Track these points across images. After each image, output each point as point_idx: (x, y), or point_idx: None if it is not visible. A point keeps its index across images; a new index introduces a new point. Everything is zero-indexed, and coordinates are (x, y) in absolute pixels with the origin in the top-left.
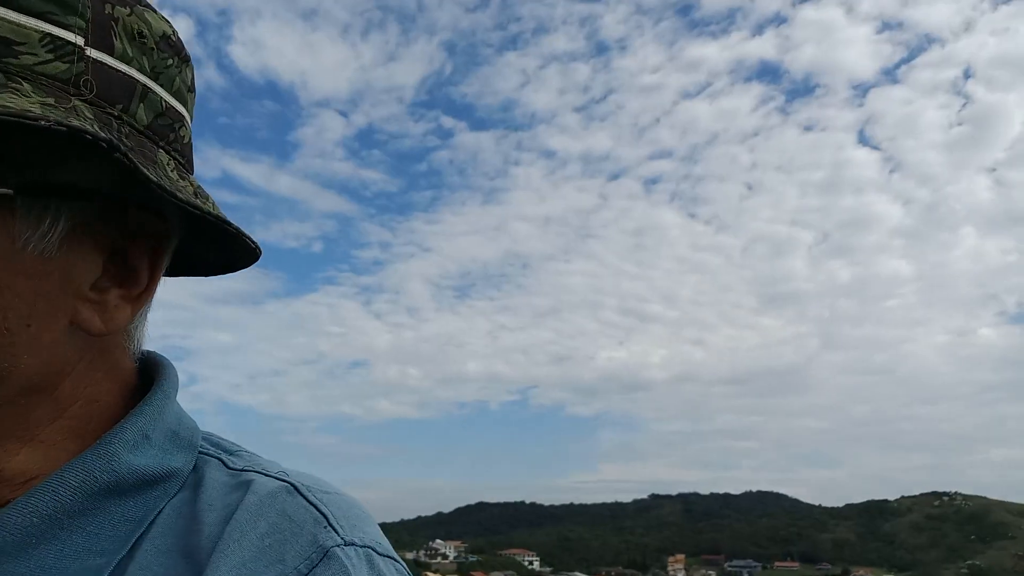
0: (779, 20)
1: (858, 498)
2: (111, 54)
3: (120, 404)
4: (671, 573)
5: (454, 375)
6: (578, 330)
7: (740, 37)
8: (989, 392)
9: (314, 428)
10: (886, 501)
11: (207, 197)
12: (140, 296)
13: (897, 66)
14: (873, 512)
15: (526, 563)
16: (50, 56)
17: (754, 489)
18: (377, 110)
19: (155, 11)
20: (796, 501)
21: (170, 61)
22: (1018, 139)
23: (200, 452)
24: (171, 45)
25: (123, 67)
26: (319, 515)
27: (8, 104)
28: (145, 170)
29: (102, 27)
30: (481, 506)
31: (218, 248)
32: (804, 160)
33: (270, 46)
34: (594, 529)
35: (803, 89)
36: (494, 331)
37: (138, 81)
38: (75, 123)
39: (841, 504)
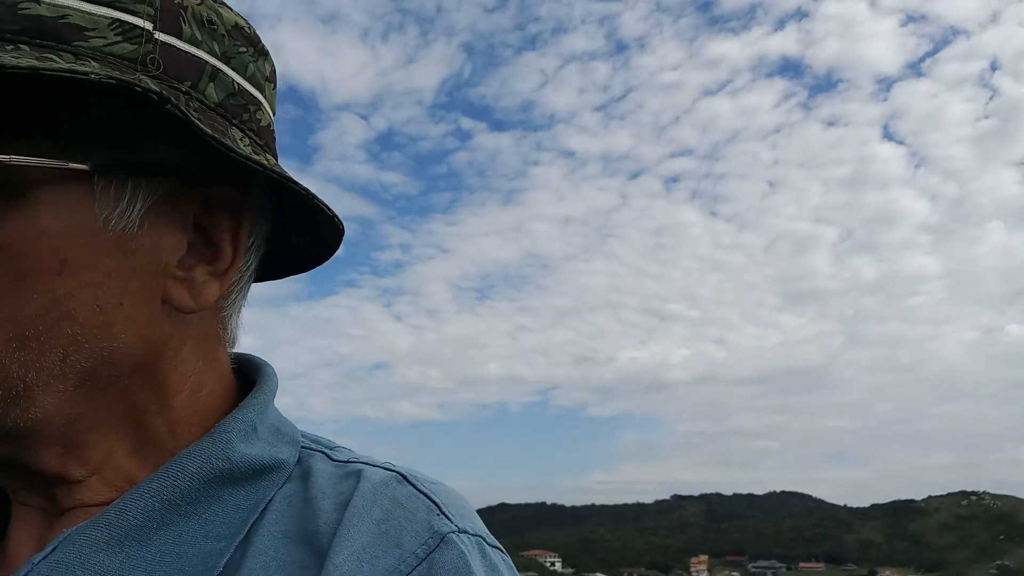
0: (801, 15)
1: (884, 498)
2: (179, 37)
3: (223, 397)
4: (694, 574)
5: (475, 377)
6: (598, 330)
7: (761, 33)
8: (1017, 390)
9: (335, 431)
10: (913, 501)
11: (287, 175)
12: (226, 272)
13: (922, 59)
14: (900, 512)
15: (548, 564)
16: (118, 38)
17: (778, 489)
18: (397, 113)
19: (227, 6)
20: (821, 501)
21: (243, 49)
22: None
23: (302, 447)
24: (244, 35)
25: (191, 49)
26: (431, 503)
27: (58, 63)
28: (203, 125)
29: (171, 13)
30: (503, 507)
31: (304, 234)
32: (827, 156)
33: (290, 51)
34: (616, 530)
35: (826, 84)
36: (514, 332)
37: (207, 62)
38: (121, 76)
39: (867, 504)
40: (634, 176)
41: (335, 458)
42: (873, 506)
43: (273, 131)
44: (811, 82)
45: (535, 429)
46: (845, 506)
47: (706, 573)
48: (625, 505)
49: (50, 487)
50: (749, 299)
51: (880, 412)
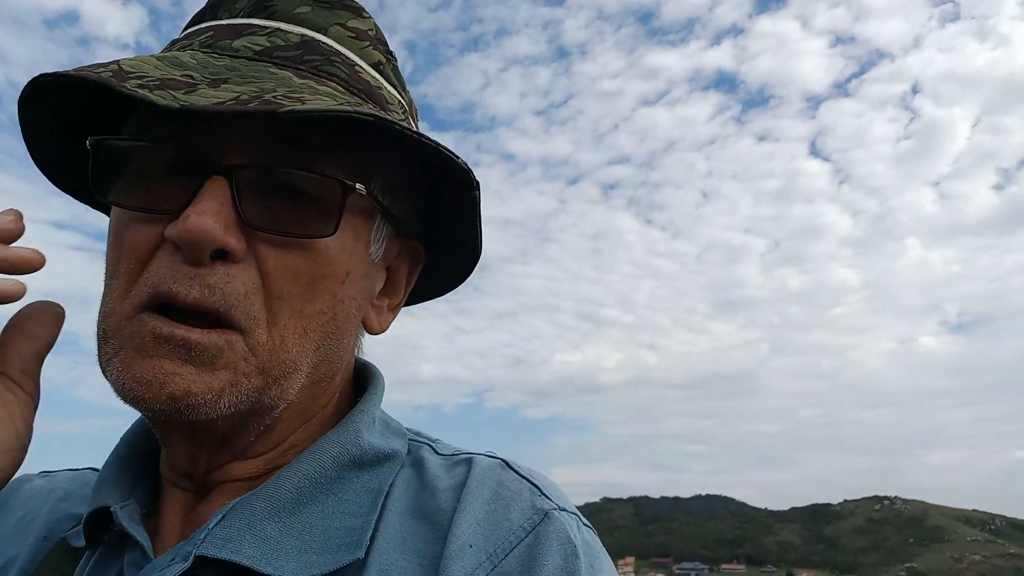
0: (737, 31)
1: (803, 501)
2: (411, 113)
3: (345, 392)
4: None
5: (409, 378)
6: (534, 333)
7: (699, 46)
8: (930, 399)
9: None
10: (829, 505)
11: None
12: (397, 306)
13: (848, 80)
14: (817, 515)
15: None
16: (403, 116)
17: (703, 492)
18: None
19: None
20: (744, 504)
21: (415, 105)
22: (962, 153)
23: (409, 439)
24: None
25: (412, 121)
26: (532, 486)
27: (399, 119)
28: (478, 198)
29: (411, 104)
30: None
31: (432, 275)
32: (758, 169)
33: None
34: None
35: (758, 99)
36: (450, 333)
37: (415, 126)
38: (442, 147)
39: (787, 507)
40: (573, 181)
41: (440, 451)
42: (792, 509)
43: None
44: (745, 97)
45: (469, 430)
46: (766, 509)
47: (632, 575)
48: None
49: (219, 467)
50: (681, 305)
51: (802, 418)
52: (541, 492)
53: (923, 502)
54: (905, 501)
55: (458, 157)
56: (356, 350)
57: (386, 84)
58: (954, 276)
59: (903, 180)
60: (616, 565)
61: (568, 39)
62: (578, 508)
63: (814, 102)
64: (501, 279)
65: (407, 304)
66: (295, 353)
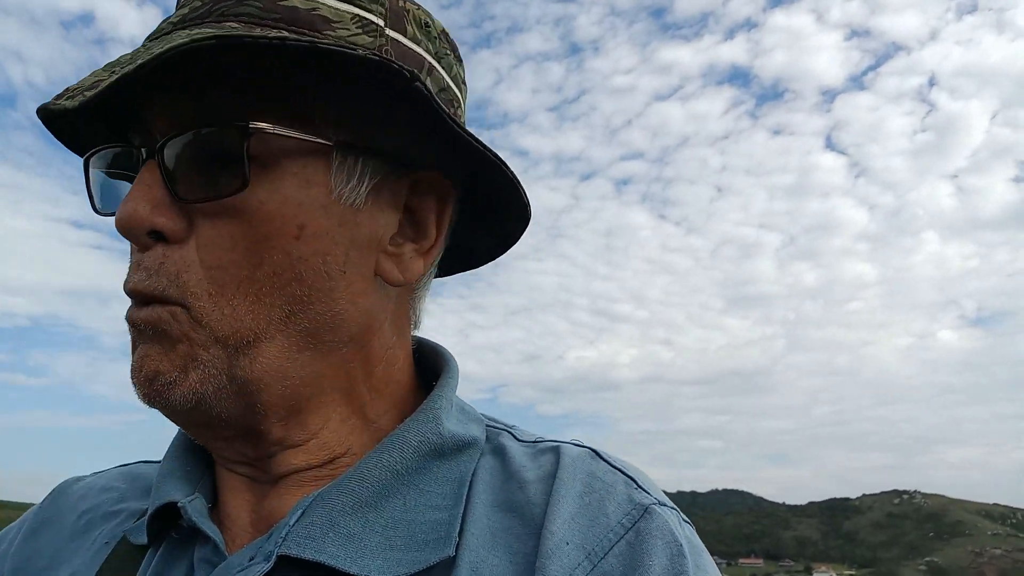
0: (750, 25)
1: (821, 496)
2: (404, 35)
3: (409, 373)
4: None
5: None
6: (549, 329)
7: (712, 41)
8: (948, 394)
9: None
10: (848, 499)
11: (504, 163)
12: (430, 250)
13: (864, 73)
14: (835, 510)
15: None
16: (359, 31)
17: (720, 487)
18: None
19: (435, 18)
20: (761, 499)
21: (448, 52)
22: (980, 147)
23: (487, 426)
24: (448, 41)
25: (413, 45)
26: (627, 478)
27: (335, 41)
28: (440, 103)
29: (397, 14)
30: None
31: (488, 229)
32: (773, 164)
33: None
34: None
35: (772, 94)
36: (465, 329)
37: (425, 58)
38: (382, 57)
39: (804, 502)
40: (586, 177)
41: (521, 438)
42: (810, 504)
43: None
44: (759, 91)
45: None
46: (784, 504)
47: None
48: None
49: (267, 457)
50: (695, 301)
51: (818, 414)
52: (637, 485)
53: (943, 496)
54: (925, 495)
55: (406, 70)
56: (391, 307)
57: (332, 3)
58: (971, 271)
59: (920, 174)
60: None
61: (580, 35)
62: None
63: (829, 96)
64: (515, 275)
65: (474, 268)
66: (251, 320)
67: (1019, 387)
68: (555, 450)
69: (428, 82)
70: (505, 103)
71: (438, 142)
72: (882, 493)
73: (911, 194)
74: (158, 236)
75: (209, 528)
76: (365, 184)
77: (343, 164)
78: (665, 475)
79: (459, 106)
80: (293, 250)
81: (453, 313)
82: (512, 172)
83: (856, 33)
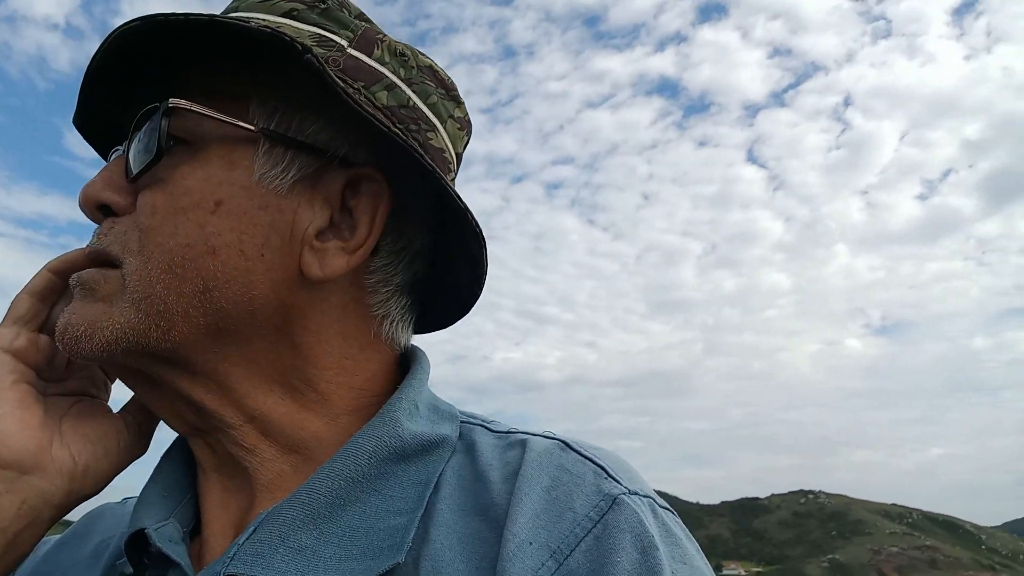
0: (680, 38)
1: (733, 496)
2: (368, 56)
3: (384, 380)
4: None
5: None
6: (475, 330)
7: (643, 52)
8: (853, 399)
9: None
10: (758, 499)
11: (419, 152)
12: (357, 250)
13: (785, 90)
14: (746, 509)
15: None
16: (313, 44)
17: None
18: None
19: (430, 58)
20: (676, 499)
21: (429, 84)
22: (889, 165)
23: (461, 422)
24: (436, 77)
25: (373, 64)
26: (597, 467)
27: (226, 20)
28: (334, 78)
29: (368, 40)
30: None
31: (457, 250)
32: (697, 174)
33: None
34: None
35: (699, 106)
36: None
37: (386, 75)
38: (278, 30)
39: (717, 502)
40: (517, 180)
41: (495, 429)
42: (722, 503)
43: (449, 163)
44: (686, 103)
45: None
46: (698, 503)
47: None
48: None
49: (215, 431)
50: (620, 306)
51: (733, 416)
52: (608, 474)
53: (846, 496)
54: (829, 495)
55: (298, 43)
56: (334, 313)
57: (297, 25)
58: (878, 282)
59: (833, 189)
60: None
61: (515, 39)
62: None
63: (752, 111)
64: None
65: (425, 331)
66: (162, 289)
67: (918, 393)
68: (522, 444)
69: (384, 94)
70: None
71: (373, 140)
72: (789, 493)
73: (825, 208)
74: (109, 211)
75: (175, 552)
76: (291, 173)
77: (270, 152)
78: None
79: (430, 129)
80: (208, 224)
81: None
82: (433, 166)
83: (778, 52)
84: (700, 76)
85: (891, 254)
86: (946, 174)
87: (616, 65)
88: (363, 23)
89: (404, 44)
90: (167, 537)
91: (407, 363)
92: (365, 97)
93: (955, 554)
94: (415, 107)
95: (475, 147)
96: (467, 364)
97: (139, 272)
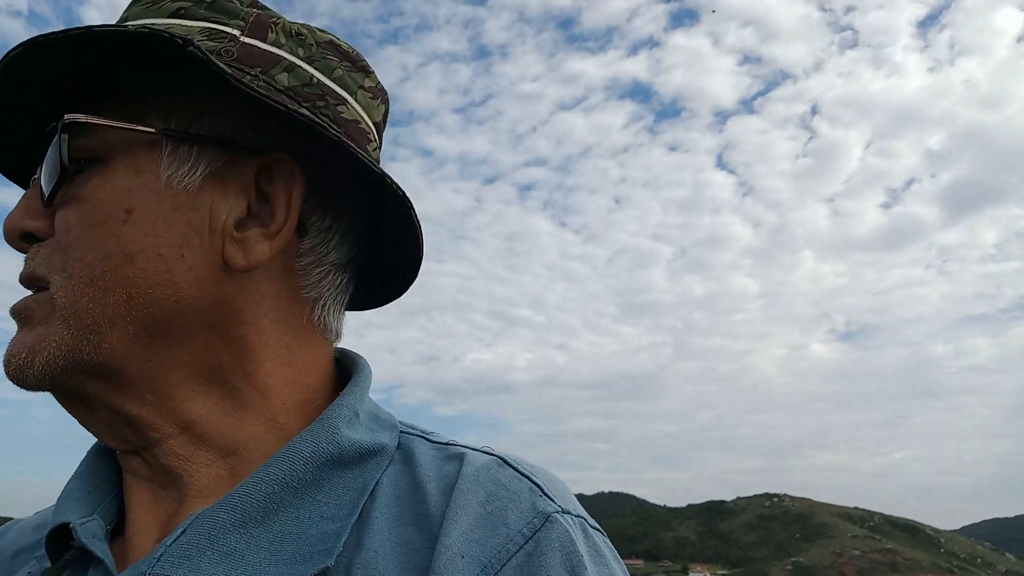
0: (653, 43)
1: (699, 498)
2: (263, 41)
3: (326, 385)
4: None
5: None
6: (447, 331)
7: (616, 56)
8: (817, 402)
9: None
10: (724, 502)
11: (319, 123)
12: (278, 233)
13: (754, 97)
14: (712, 512)
15: None
16: (204, 39)
17: (606, 490)
18: None
19: (331, 33)
20: (644, 501)
21: (332, 58)
22: (854, 173)
23: (401, 432)
24: (339, 51)
25: (269, 48)
26: (533, 485)
27: (104, 29)
28: (219, 64)
29: (261, 26)
30: None
31: (390, 229)
32: (668, 179)
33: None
34: None
35: (671, 111)
36: (360, 328)
37: (284, 57)
38: (157, 28)
39: (684, 504)
40: (490, 181)
41: (434, 440)
42: (689, 506)
43: (367, 133)
44: (658, 107)
45: None
46: (665, 506)
47: None
48: None
49: (151, 446)
50: (591, 308)
51: (701, 419)
52: (543, 492)
53: (810, 500)
54: (793, 499)
55: (179, 38)
56: (267, 302)
57: (186, 23)
58: (842, 288)
59: (800, 196)
60: None
61: (489, 39)
62: None
63: (722, 117)
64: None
65: (361, 308)
66: (87, 302)
67: (880, 397)
68: (460, 458)
69: (284, 76)
70: (412, 101)
71: (279, 124)
72: (755, 496)
73: (792, 214)
74: (33, 238)
75: (99, 549)
76: (200, 169)
77: (175, 151)
78: None
79: (339, 103)
80: (122, 233)
81: (348, 312)
82: (340, 136)
83: (748, 59)
84: (672, 81)
85: (855, 261)
86: (909, 183)
87: (589, 68)
88: (255, 10)
89: (300, 24)
90: (91, 533)
91: (348, 370)
92: (264, 82)
93: (915, 557)
94: (320, 83)
95: (448, 146)
96: (438, 365)
97: (64, 289)
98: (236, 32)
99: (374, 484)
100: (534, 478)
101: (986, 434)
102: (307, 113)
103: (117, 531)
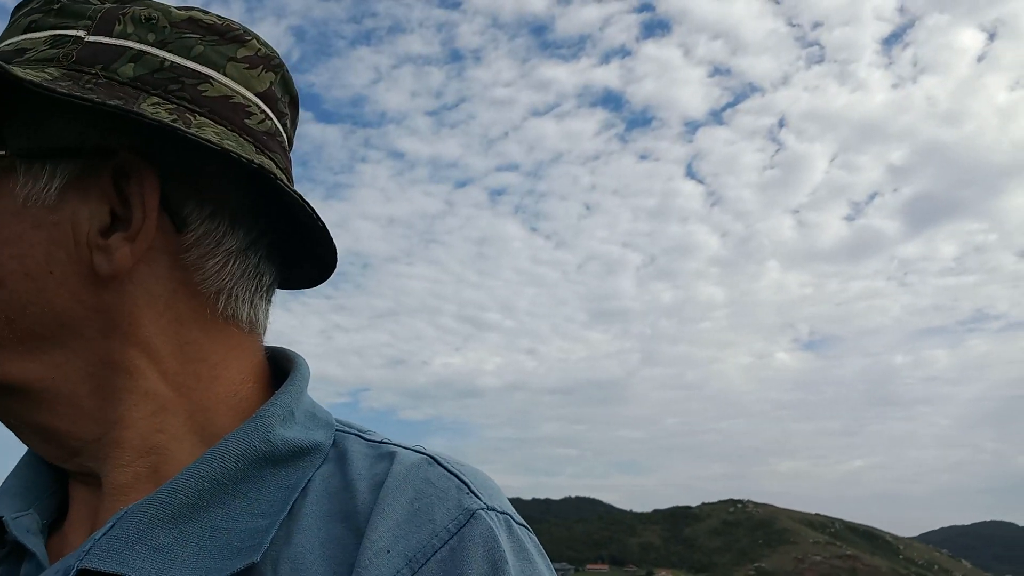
0: (624, 52)
1: (665, 504)
2: (109, 36)
3: (258, 383)
4: None
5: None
6: (415, 334)
7: (588, 63)
8: (780, 410)
9: None
10: (689, 507)
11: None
12: (136, 236)
13: (723, 109)
14: (677, 517)
15: None
16: (47, 47)
17: (573, 495)
18: None
19: (194, 8)
20: (610, 507)
21: (192, 35)
22: (819, 186)
23: (337, 430)
24: (202, 26)
25: (115, 41)
26: (460, 483)
27: None
28: (55, 87)
29: (108, 20)
30: None
31: (302, 242)
32: (638, 187)
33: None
34: None
35: (641, 120)
36: (328, 330)
37: (129, 47)
38: None
39: (650, 510)
40: (461, 185)
41: (368, 439)
42: (655, 511)
43: (245, 107)
44: (629, 116)
45: None
46: (631, 511)
47: None
48: None
49: (76, 455)
50: (560, 314)
51: (667, 425)
52: (470, 489)
53: (772, 506)
54: (756, 504)
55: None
56: (160, 303)
57: (32, 35)
58: (806, 298)
59: (766, 207)
60: None
61: (462, 43)
62: None
63: (692, 127)
64: (384, 278)
65: (290, 288)
66: None
67: (842, 406)
68: (391, 456)
69: (129, 67)
70: (384, 103)
71: (122, 123)
72: (719, 502)
73: (758, 224)
74: None
75: (31, 543)
76: (55, 183)
77: (28, 170)
78: (523, 482)
79: (201, 82)
80: None
81: (316, 314)
82: (169, 124)
83: (719, 71)
84: (643, 90)
85: (819, 271)
86: (872, 197)
87: (562, 75)
88: (107, 4)
89: (155, 7)
90: (24, 527)
91: (286, 369)
92: (105, 78)
93: (874, 563)
94: (174, 66)
95: (419, 149)
96: (406, 369)
97: None
98: (81, 33)
99: (306, 482)
100: (462, 476)
101: (944, 443)
102: (117, 103)
103: (58, 526)
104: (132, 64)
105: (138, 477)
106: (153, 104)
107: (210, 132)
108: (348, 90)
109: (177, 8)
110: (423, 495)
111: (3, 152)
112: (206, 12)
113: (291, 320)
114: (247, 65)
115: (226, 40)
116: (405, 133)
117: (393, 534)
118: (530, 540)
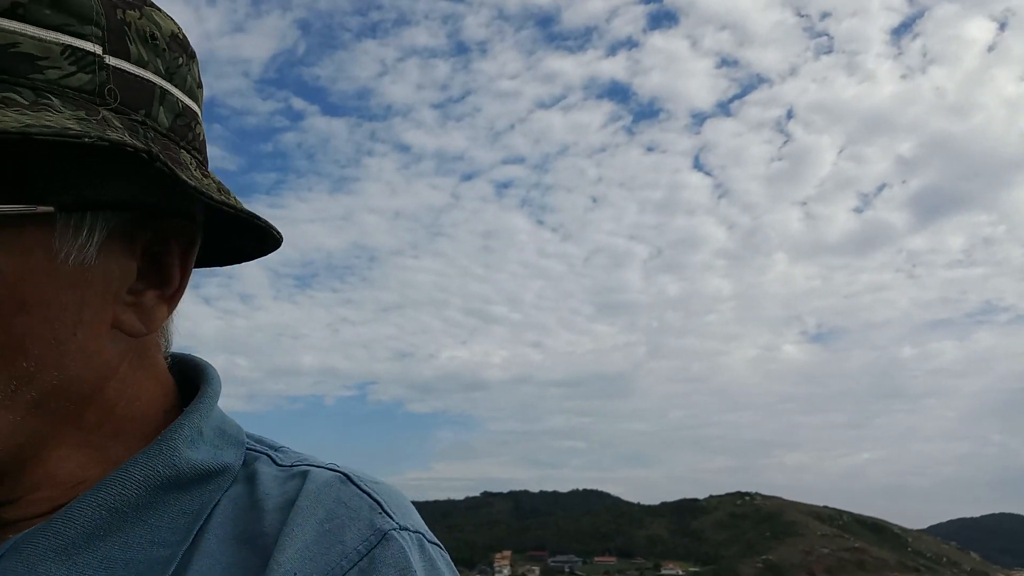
0: (631, 44)
1: (672, 497)
2: (128, 60)
3: (164, 401)
4: (497, 569)
5: (288, 367)
6: (422, 327)
7: (595, 55)
8: (787, 403)
9: None
10: (696, 500)
11: (228, 192)
12: (174, 295)
13: (731, 100)
14: (684, 510)
15: None
16: (73, 68)
17: (580, 488)
18: (220, 83)
19: (160, 9)
20: (617, 499)
21: (180, 60)
22: (827, 177)
23: (248, 449)
24: (180, 43)
25: (140, 72)
26: (373, 502)
27: (48, 124)
28: (182, 174)
29: (117, 34)
30: None
31: (241, 237)
32: (644, 179)
33: None
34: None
35: (648, 112)
36: (335, 324)
37: (156, 84)
38: (113, 136)
39: (657, 502)
40: (467, 178)
41: (280, 461)
42: (662, 504)
43: (206, 141)
44: (635, 108)
45: (351, 423)
46: (638, 504)
47: (508, 568)
48: (436, 502)
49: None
50: (567, 307)
51: (673, 418)
52: (383, 509)
53: (780, 498)
54: (764, 497)
55: (129, 145)
56: (134, 347)
57: (36, 33)
58: (813, 291)
59: (774, 199)
60: (494, 559)
61: (468, 35)
62: (459, 503)
63: (699, 119)
64: (390, 271)
65: (219, 264)
66: None
67: (849, 399)
68: (303, 475)
69: (162, 113)
70: (389, 96)
71: (173, 188)
72: (726, 494)
73: (765, 216)
74: None
75: None
76: (95, 240)
77: (67, 225)
78: (529, 475)
79: (197, 123)
80: (16, 326)
81: (323, 307)
82: (255, 217)
83: (726, 62)
84: (650, 82)
85: (827, 264)
86: (880, 189)
87: (568, 67)
88: None
89: (145, 17)
90: None
91: (194, 378)
92: (152, 129)
93: (882, 556)
94: (185, 108)
95: (425, 142)
96: (413, 362)
97: None
98: (98, 49)
99: (213, 505)
100: (375, 495)
101: (951, 436)
102: (215, 196)
103: None
104: (162, 108)
105: (34, 505)
106: (190, 163)
107: (214, 189)
108: (353, 83)
109: (158, 16)
110: (334, 515)
111: (49, 209)
112: (171, 18)
113: (298, 313)
114: (202, 89)
115: (191, 58)
116: (411, 126)
117: (301, 556)
118: (442, 559)
